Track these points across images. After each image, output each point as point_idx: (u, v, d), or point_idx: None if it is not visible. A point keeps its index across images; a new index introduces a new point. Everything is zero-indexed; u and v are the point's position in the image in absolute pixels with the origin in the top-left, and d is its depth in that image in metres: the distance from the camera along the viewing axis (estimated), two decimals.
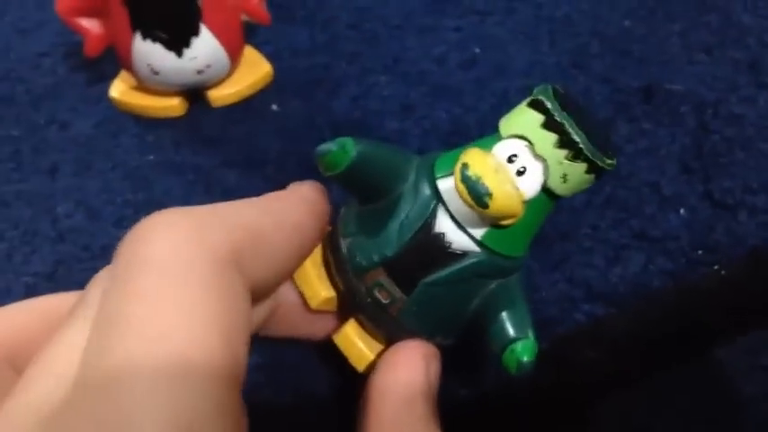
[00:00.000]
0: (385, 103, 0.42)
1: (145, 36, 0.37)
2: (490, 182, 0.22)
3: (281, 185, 0.26)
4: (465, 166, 0.22)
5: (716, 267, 0.34)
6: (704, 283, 0.34)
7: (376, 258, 0.25)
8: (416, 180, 0.24)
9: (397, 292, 0.25)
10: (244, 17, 0.41)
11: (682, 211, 0.36)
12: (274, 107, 0.42)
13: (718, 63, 0.44)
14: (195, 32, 0.37)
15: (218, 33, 0.38)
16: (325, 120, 0.41)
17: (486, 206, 0.22)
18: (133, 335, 0.17)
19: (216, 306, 0.19)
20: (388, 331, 0.27)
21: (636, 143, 0.39)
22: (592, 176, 0.23)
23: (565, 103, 0.22)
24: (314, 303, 0.27)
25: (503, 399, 0.31)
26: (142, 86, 0.40)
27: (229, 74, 0.41)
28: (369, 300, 0.26)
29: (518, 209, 0.23)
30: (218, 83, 0.41)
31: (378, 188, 0.25)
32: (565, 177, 0.22)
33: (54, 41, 0.45)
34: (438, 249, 0.24)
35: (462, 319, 0.26)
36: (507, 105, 0.23)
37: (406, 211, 0.24)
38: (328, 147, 0.24)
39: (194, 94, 0.41)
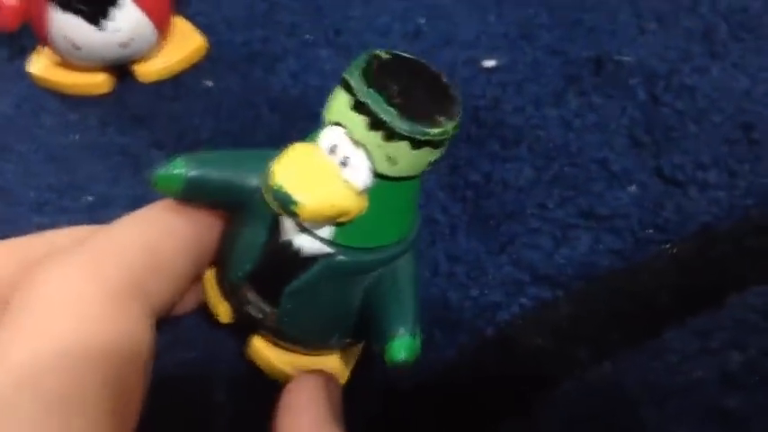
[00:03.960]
0: (326, 79, 0.40)
1: (61, 7, 0.34)
2: (294, 189, 0.20)
3: None
4: (270, 173, 0.20)
5: (666, 246, 0.33)
6: (654, 262, 0.33)
7: (239, 275, 0.24)
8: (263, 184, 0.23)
9: (266, 306, 0.24)
10: None
11: (631, 187, 0.35)
12: (208, 83, 0.40)
13: (670, 32, 0.43)
14: (113, 2, 0.35)
15: (141, 4, 0.35)
16: (262, 97, 0.39)
17: (297, 215, 0.20)
18: (5, 379, 0.17)
19: (101, 342, 0.19)
20: (282, 340, 0.26)
21: (585, 118, 0.38)
22: (427, 150, 0.20)
23: (383, 72, 0.20)
24: (224, 319, 0.27)
25: (447, 389, 0.30)
26: (64, 62, 0.38)
27: (158, 47, 0.39)
28: (247, 316, 0.25)
29: (348, 205, 0.21)
30: (146, 57, 0.38)
31: (227, 202, 0.24)
32: (391, 159, 0.20)
33: None
34: (290, 257, 0.23)
35: (349, 318, 0.24)
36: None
37: (256, 221, 0.23)
38: (157, 171, 0.22)
39: (121, 69, 0.39)
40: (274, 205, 0.20)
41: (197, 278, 0.27)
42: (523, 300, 0.32)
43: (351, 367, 0.29)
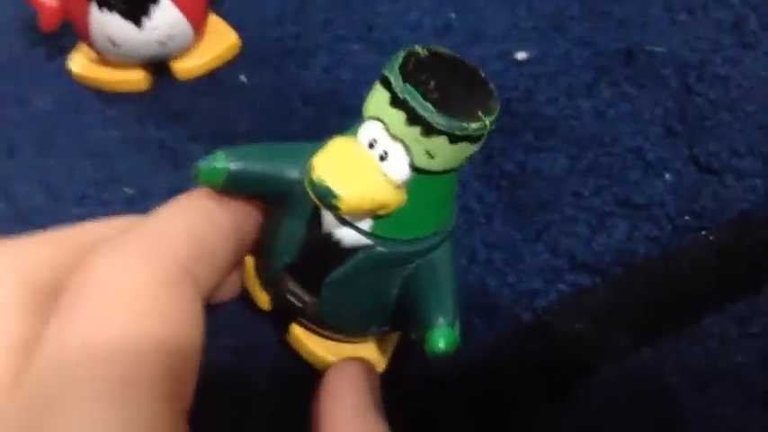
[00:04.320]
0: (358, 73, 0.41)
1: (101, 6, 0.35)
2: (335, 183, 0.20)
3: None
4: (311, 167, 0.21)
5: (703, 233, 0.33)
6: (691, 249, 0.33)
7: (279, 265, 0.24)
8: (303, 177, 0.23)
9: (306, 296, 0.25)
10: None
11: (667, 176, 0.35)
12: (243, 79, 0.40)
13: (701, 23, 0.43)
14: (154, 0, 0.35)
15: (179, 3, 0.36)
16: (295, 91, 0.40)
17: (337, 209, 0.20)
18: (64, 361, 0.18)
19: (157, 328, 0.19)
20: (322, 329, 0.27)
21: (618, 108, 0.38)
22: (464, 144, 0.20)
23: (421, 68, 0.20)
24: (264, 306, 0.28)
25: (485, 375, 0.30)
26: (103, 60, 0.38)
27: (194, 45, 0.39)
28: (287, 305, 0.25)
29: (387, 198, 0.21)
30: (182, 54, 0.39)
31: (266, 194, 0.24)
32: (430, 154, 0.20)
33: (10, 15, 0.43)
34: (331, 248, 0.23)
35: (387, 307, 0.25)
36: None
37: (296, 213, 0.23)
38: (199, 164, 0.23)
39: (158, 66, 0.39)
40: (315, 198, 0.21)
41: (236, 266, 0.27)
42: (561, 286, 0.32)
43: (389, 354, 0.29)
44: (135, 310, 0.19)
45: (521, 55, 0.41)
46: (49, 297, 0.20)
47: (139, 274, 0.20)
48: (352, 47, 0.42)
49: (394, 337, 0.29)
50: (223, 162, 0.23)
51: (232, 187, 0.23)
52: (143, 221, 0.22)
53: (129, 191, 0.35)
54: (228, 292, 0.28)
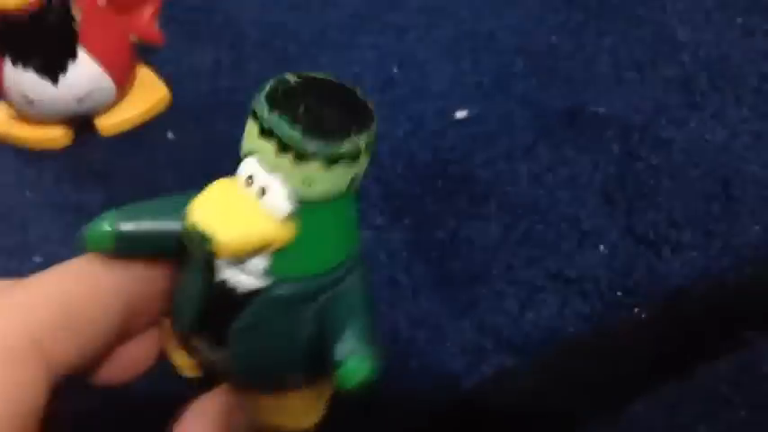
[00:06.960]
0: None
1: (15, 62, 0.33)
2: (209, 226, 0.19)
3: None
4: (187, 213, 0.19)
5: (636, 310, 0.32)
6: (622, 328, 0.32)
7: (185, 323, 0.23)
8: None
9: (217, 352, 0.23)
10: (134, 37, 0.37)
11: (601, 247, 0.34)
12: (170, 135, 0.39)
13: (648, 82, 0.42)
14: (72, 56, 0.34)
15: (99, 56, 0.35)
16: (226, 150, 0.38)
17: (214, 253, 0.19)
18: None
19: None
20: (245, 386, 0.25)
21: (556, 172, 0.37)
22: (342, 166, 0.19)
23: (289, 95, 0.19)
24: (187, 373, 0.26)
25: None
26: (22, 116, 0.37)
27: (119, 99, 0.38)
28: (201, 363, 0.24)
29: (268, 236, 0.20)
30: (106, 109, 0.38)
31: (166, 250, 0.22)
32: (307, 181, 0.19)
33: None
34: (228, 297, 0.21)
35: (302, 351, 0.23)
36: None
37: (192, 265, 0.22)
38: (86, 228, 0.21)
39: (81, 121, 0.38)
40: (191, 245, 0.20)
41: (128, 335, 0.25)
42: (485, 368, 0.30)
43: (322, 406, 0.27)
44: None
45: (460, 113, 0.40)
46: None
47: None
48: None
49: (326, 391, 0.27)
50: (111, 224, 0.21)
51: (126, 250, 0.21)
52: (17, 284, 0.20)
53: (38, 259, 0.33)
54: (138, 364, 0.26)
